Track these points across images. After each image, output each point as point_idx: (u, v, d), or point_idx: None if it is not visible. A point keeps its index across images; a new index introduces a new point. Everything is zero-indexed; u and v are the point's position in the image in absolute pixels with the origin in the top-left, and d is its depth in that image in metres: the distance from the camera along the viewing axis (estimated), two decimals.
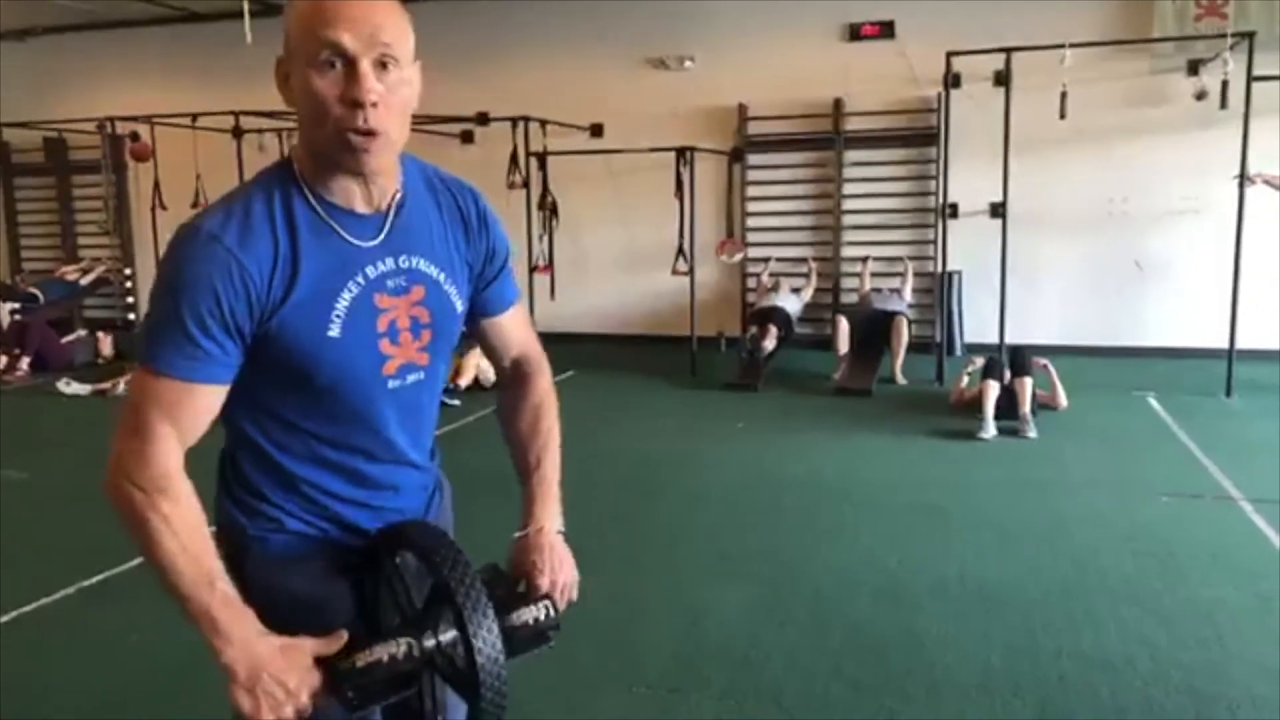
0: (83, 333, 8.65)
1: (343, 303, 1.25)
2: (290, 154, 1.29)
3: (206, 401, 1.23)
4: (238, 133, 8.63)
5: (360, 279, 1.26)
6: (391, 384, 1.32)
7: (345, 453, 1.34)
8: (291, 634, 1.20)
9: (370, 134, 1.19)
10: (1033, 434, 5.57)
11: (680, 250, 7.83)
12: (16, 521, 4.43)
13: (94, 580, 3.60)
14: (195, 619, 1.20)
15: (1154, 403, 6.37)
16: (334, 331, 1.25)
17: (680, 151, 7.69)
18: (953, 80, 7.02)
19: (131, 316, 9.65)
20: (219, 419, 1.28)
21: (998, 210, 6.92)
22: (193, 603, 1.19)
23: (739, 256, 8.52)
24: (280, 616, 1.22)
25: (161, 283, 1.20)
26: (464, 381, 6.84)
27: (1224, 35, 6.63)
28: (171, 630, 3.30)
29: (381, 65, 1.19)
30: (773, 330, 7.42)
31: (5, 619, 3.28)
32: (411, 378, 1.34)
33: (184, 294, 1.17)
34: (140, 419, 1.21)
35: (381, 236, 1.28)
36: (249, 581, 1.28)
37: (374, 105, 1.17)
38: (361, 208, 1.28)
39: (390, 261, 1.29)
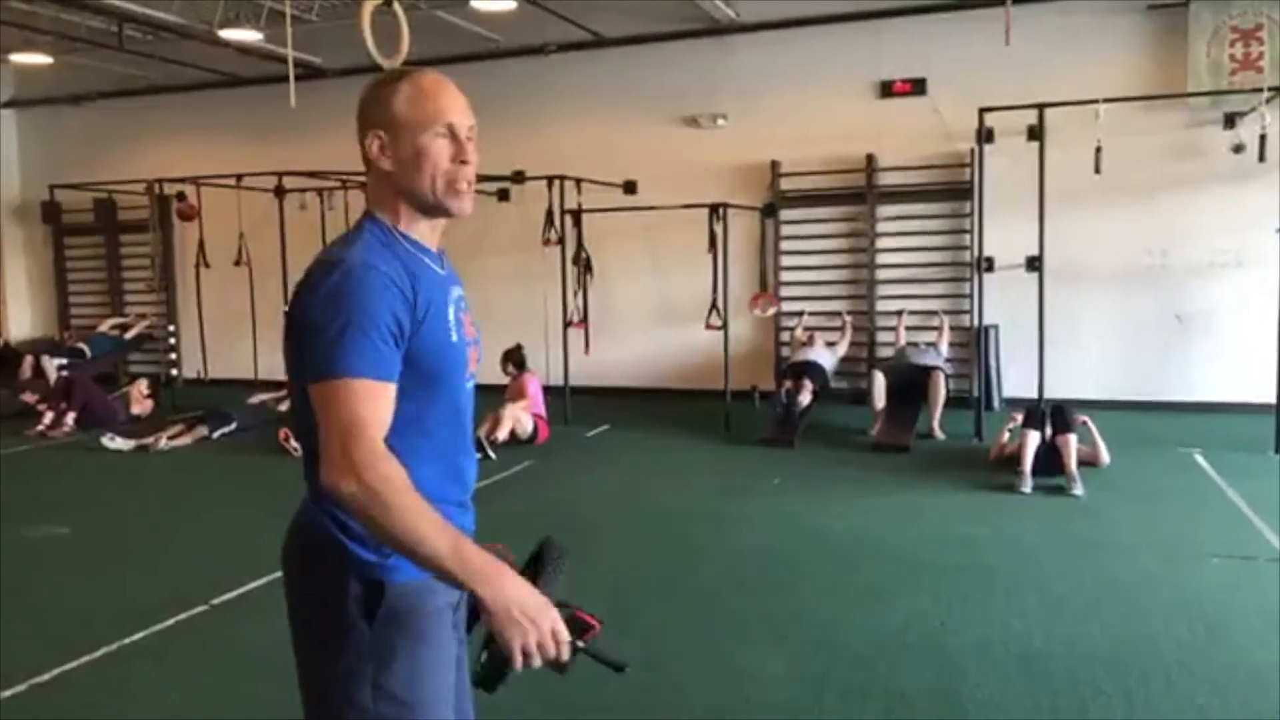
0: (129, 388, 8.79)
1: (450, 316, 1.53)
2: (371, 211, 1.55)
3: (392, 398, 1.42)
4: (280, 192, 8.84)
5: (449, 299, 1.55)
6: (469, 384, 1.60)
7: (453, 448, 1.56)
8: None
9: (470, 183, 1.56)
10: (1079, 491, 5.47)
11: (714, 305, 7.85)
12: (58, 577, 4.48)
13: (135, 638, 3.62)
14: (453, 569, 1.32)
15: (1200, 459, 6.23)
16: (454, 337, 1.52)
17: (714, 208, 7.76)
18: (986, 135, 7.04)
19: (175, 372, 9.85)
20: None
21: (1034, 264, 6.88)
22: (449, 557, 1.32)
23: (772, 310, 8.53)
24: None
25: (337, 310, 1.38)
26: (502, 435, 6.86)
27: (1260, 90, 6.60)
28: (211, 689, 3.30)
29: (469, 139, 1.55)
30: (808, 385, 7.39)
31: (48, 676, 3.29)
32: (472, 382, 1.62)
33: (366, 313, 1.39)
34: (355, 419, 1.36)
35: (445, 268, 1.60)
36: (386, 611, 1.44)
37: (470, 164, 1.55)
38: (431, 246, 1.58)
39: (456, 288, 1.60)
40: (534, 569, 1.47)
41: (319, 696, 1.47)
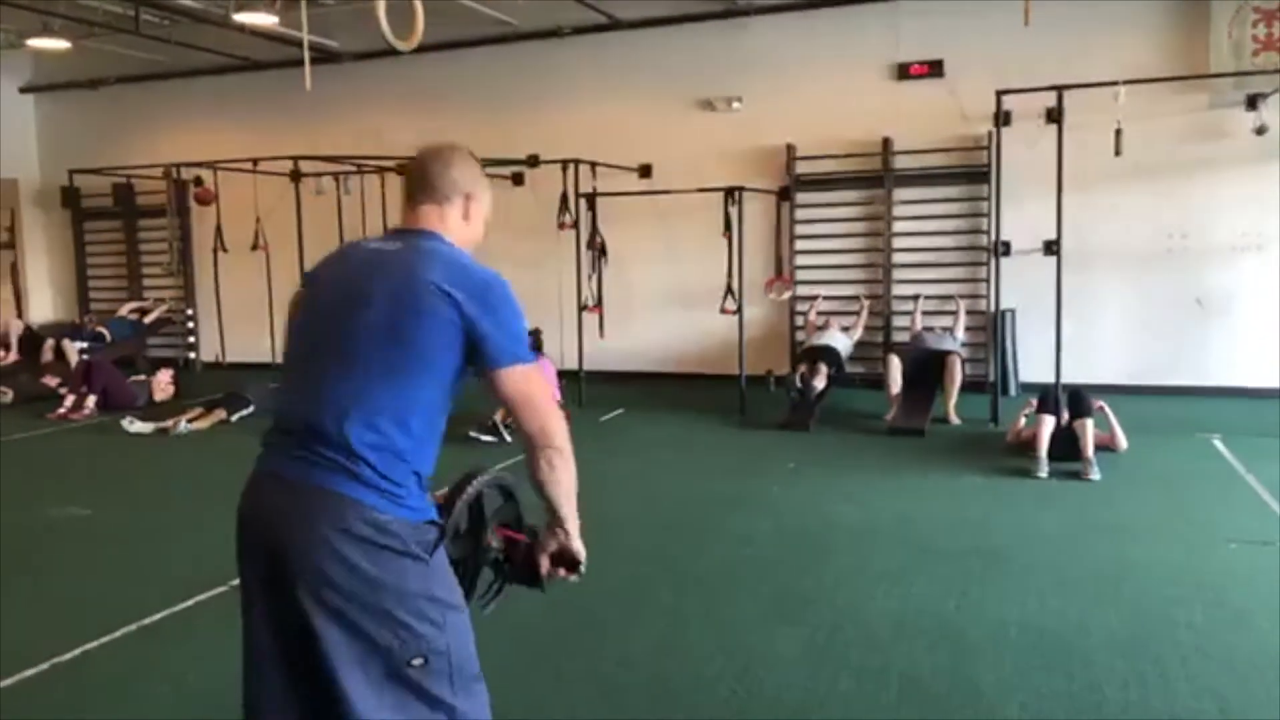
0: (153, 377, 8.85)
1: None
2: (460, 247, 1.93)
3: None
4: (296, 176, 8.86)
5: None
6: None
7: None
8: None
9: None
10: (1096, 476, 5.44)
11: (729, 289, 7.84)
12: (80, 558, 4.54)
13: (156, 618, 3.66)
14: (573, 507, 1.89)
15: (1219, 445, 6.19)
16: None
17: (729, 191, 7.73)
18: (1004, 118, 6.97)
19: (193, 355, 9.92)
20: (417, 415, 1.77)
21: (1052, 248, 6.83)
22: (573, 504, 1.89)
23: (787, 294, 8.51)
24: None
25: (517, 310, 1.82)
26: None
27: None
28: (231, 668, 3.33)
29: None
30: (823, 369, 7.38)
31: (69, 656, 3.34)
32: None
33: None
34: (549, 395, 1.86)
35: None
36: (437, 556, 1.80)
37: None
38: None
39: None
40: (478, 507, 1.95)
41: (392, 624, 1.70)
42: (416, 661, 1.70)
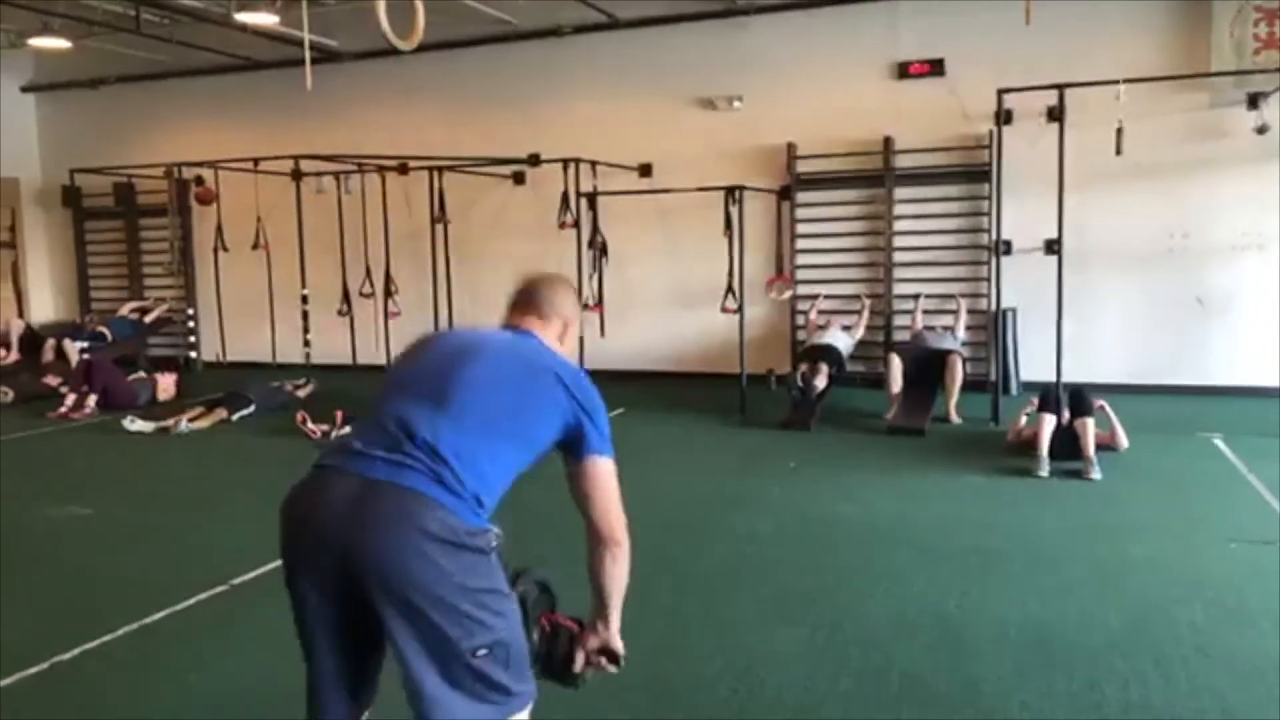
0: (157, 380, 8.86)
1: None
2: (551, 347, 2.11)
3: None
4: (297, 175, 8.86)
5: None
6: None
7: None
8: None
9: None
10: (1097, 475, 5.44)
11: (729, 288, 7.84)
12: (80, 557, 4.54)
13: (156, 617, 3.66)
14: (619, 605, 2.06)
15: (1220, 444, 6.19)
16: None
17: (729, 190, 7.73)
18: (1005, 117, 6.97)
19: (194, 355, 9.92)
20: (495, 466, 1.91)
21: (1053, 247, 6.82)
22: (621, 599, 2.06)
23: (788, 294, 8.51)
24: None
25: (606, 413, 2.05)
26: None
27: None
28: (231, 667, 3.33)
29: None
30: (824, 369, 7.37)
31: (69, 655, 3.34)
32: None
33: None
34: (618, 494, 2.05)
35: None
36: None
37: None
38: None
39: None
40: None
41: (460, 616, 1.80)
42: (481, 651, 1.81)
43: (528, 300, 2.14)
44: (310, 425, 7.05)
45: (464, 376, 1.92)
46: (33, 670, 3.23)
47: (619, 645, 2.09)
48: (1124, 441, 5.93)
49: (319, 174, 9.14)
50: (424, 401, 1.89)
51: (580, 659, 2.08)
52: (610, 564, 2.00)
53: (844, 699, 2.96)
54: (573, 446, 1.99)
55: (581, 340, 8.19)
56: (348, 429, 7.09)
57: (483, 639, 1.81)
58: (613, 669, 2.12)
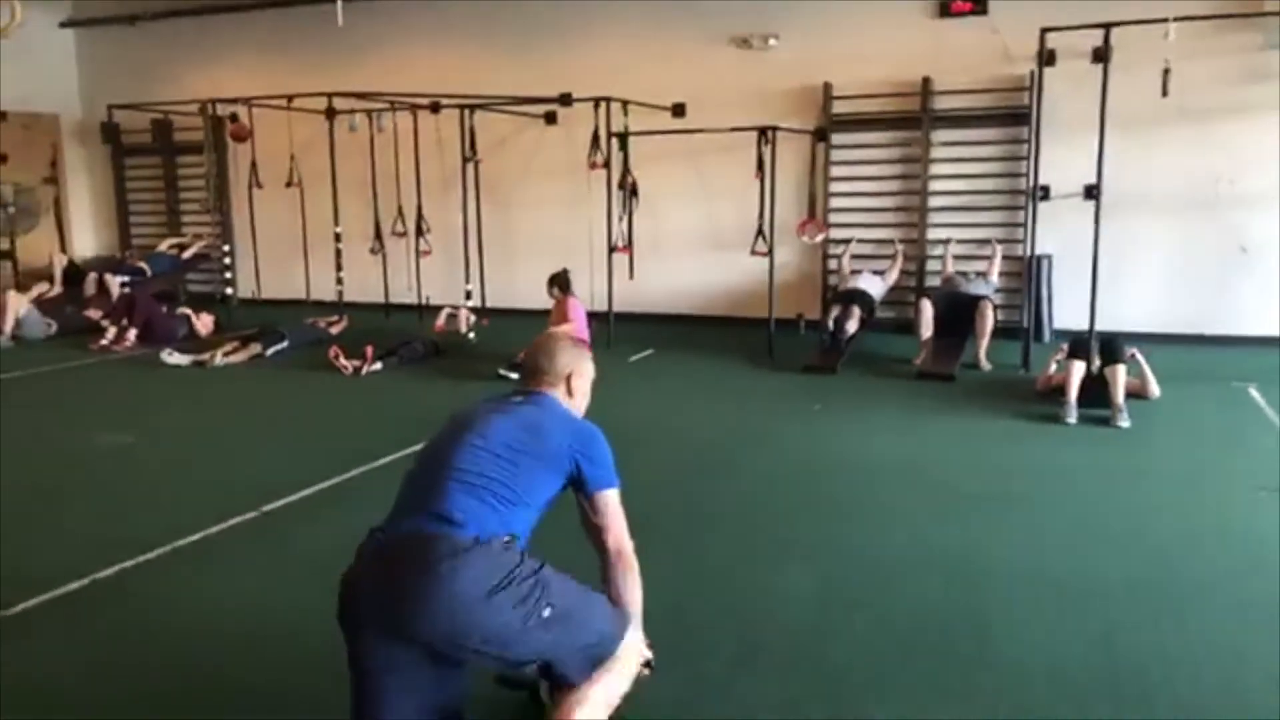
0: (196, 320, 9.02)
1: None
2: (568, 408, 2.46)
3: None
4: (330, 113, 8.87)
5: None
6: None
7: None
8: None
9: None
10: (1126, 423, 5.39)
11: (760, 231, 7.78)
12: (120, 482, 4.69)
13: (190, 540, 3.79)
14: (639, 618, 2.31)
15: (1255, 394, 6.09)
16: None
17: (762, 131, 7.63)
18: (1048, 58, 6.77)
19: (230, 291, 10.06)
20: (525, 506, 2.21)
21: (1092, 192, 6.68)
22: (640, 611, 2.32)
23: (820, 237, 8.42)
24: None
25: (609, 451, 2.35)
26: None
27: None
28: (260, 590, 3.44)
29: None
30: (855, 313, 7.33)
31: (107, 573, 3.48)
32: None
33: None
34: (624, 522, 2.32)
35: None
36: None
37: None
38: None
39: None
40: None
41: (520, 629, 2.04)
42: (546, 612, 2.06)
43: (535, 372, 2.49)
44: (342, 360, 7.16)
45: (490, 431, 2.27)
46: (74, 585, 3.37)
47: (647, 650, 2.33)
48: (1155, 390, 5.86)
49: (351, 111, 9.13)
50: (454, 462, 2.19)
51: None
52: (630, 583, 2.28)
53: (855, 634, 3.00)
54: (581, 486, 2.30)
55: (610, 281, 8.22)
56: (378, 365, 7.20)
57: (541, 605, 2.06)
58: (646, 671, 2.32)
